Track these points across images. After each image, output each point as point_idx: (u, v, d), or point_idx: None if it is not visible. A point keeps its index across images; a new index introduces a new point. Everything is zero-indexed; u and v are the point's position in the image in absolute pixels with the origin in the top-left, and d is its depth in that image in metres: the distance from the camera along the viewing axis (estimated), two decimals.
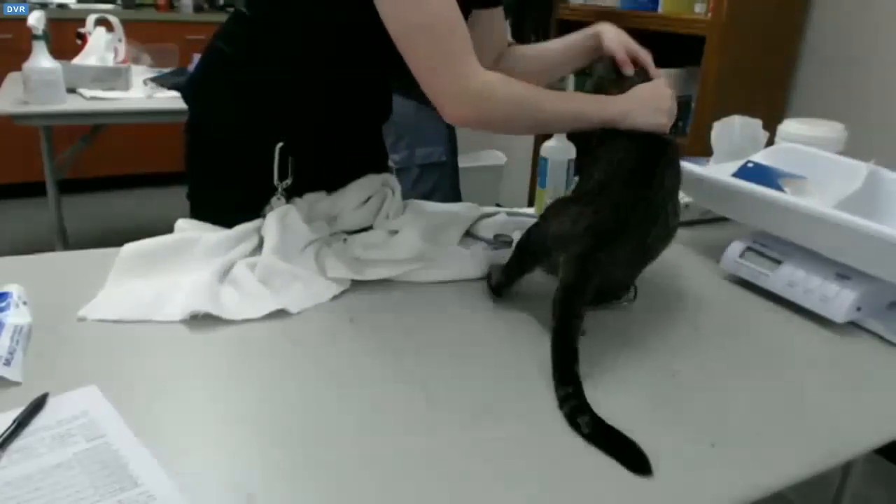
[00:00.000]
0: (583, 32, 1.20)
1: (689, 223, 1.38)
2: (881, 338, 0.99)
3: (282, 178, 1.15)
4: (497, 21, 1.25)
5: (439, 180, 2.03)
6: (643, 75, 1.10)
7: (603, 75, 1.11)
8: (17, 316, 0.80)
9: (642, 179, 0.95)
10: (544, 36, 2.25)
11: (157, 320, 0.91)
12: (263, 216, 1.12)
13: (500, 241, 1.20)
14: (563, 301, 0.83)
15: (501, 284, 1.03)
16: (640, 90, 1.06)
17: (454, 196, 1.58)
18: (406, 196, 1.31)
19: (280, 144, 1.13)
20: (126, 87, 2.56)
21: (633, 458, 0.70)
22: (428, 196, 1.97)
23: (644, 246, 0.94)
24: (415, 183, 2.01)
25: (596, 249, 0.88)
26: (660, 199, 0.95)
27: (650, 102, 1.03)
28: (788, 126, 1.41)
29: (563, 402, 0.77)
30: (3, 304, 0.80)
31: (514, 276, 1.01)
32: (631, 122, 1.02)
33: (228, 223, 1.11)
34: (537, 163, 1.40)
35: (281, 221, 1.08)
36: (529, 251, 0.99)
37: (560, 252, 0.90)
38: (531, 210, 1.44)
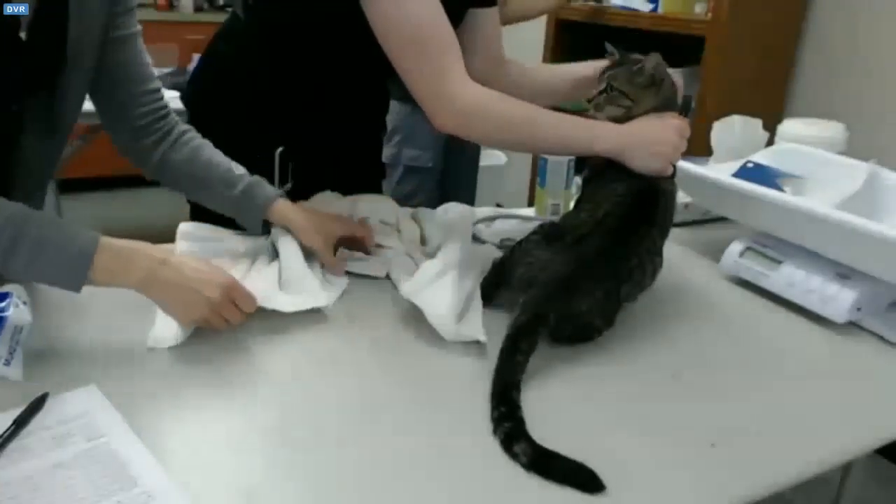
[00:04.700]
0: (593, 64, 1.15)
1: (690, 223, 1.38)
2: (881, 338, 0.99)
3: (282, 182, 1.14)
4: (491, 22, 1.23)
5: (423, 183, 2.04)
6: (670, 95, 1.04)
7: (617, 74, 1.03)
8: (18, 316, 0.80)
9: (623, 243, 0.93)
10: None
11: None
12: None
13: (505, 244, 1.20)
14: (511, 338, 0.83)
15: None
16: (645, 125, 1.00)
17: (443, 199, 1.54)
18: (387, 194, 1.30)
19: (280, 149, 1.13)
20: None
21: (583, 479, 0.67)
22: (410, 197, 1.98)
23: (615, 298, 0.92)
24: (398, 182, 2.02)
25: (555, 299, 0.88)
26: (637, 260, 0.93)
27: (648, 144, 0.98)
28: (788, 126, 1.41)
29: (497, 424, 0.74)
30: (4, 305, 0.80)
31: (490, 292, 1.00)
32: (625, 160, 0.98)
33: (229, 226, 1.11)
34: (537, 162, 1.40)
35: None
36: (503, 272, 0.98)
37: (520, 293, 0.90)
38: (531, 211, 1.44)
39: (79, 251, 0.80)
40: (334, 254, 1.07)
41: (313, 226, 1.05)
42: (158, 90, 1.05)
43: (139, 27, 1.02)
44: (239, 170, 1.06)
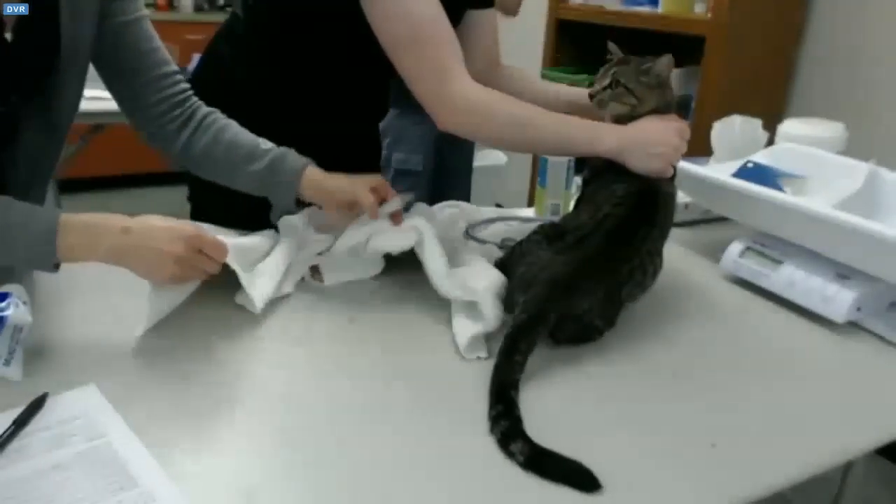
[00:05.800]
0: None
1: (690, 223, 1.38)
2: (881, 338, 0.99)
3: None
4: (489, 24, 1.23)
5: (414, 187, 2.03)
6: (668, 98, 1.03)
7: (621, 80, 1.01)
8: (18, 316, 0.80)
9: (623, 244, 0.93)
10: None
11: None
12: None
13: (505, 244, 1.20)
14: (511, 337, 0.83)
15: None
16: (645, 127, 1.00)
17: (436, 202, 1.52)
18: None
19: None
20: None
21: (579, 478, 0.67)
22: None
23: (617, 299, 0.93)
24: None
25: (555, 299, 0.88)
26: (638, 261, 0.93)
27: (649, 146, 0.97)
28: (788, 126, 1.41)
29: (494, 422, 0.74)
30: (4, 305, 0.80)
31: None
32: (623, 160, 0.98)
33: (230, 224, 1.11)
34: (538, 162, 1.40)
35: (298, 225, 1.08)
36: (503, 272, 0.98)
37: (520, 293, 0.90)
38: (531, 211, 1.44)
39: (40, 232, 0.80)
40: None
41: (347, 182, 1.03)
42: (175, 73, 1.02)
43: (144, 11, 0.99)
44: (266, 145, 1.03)
